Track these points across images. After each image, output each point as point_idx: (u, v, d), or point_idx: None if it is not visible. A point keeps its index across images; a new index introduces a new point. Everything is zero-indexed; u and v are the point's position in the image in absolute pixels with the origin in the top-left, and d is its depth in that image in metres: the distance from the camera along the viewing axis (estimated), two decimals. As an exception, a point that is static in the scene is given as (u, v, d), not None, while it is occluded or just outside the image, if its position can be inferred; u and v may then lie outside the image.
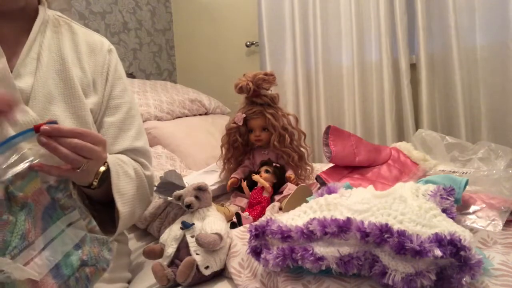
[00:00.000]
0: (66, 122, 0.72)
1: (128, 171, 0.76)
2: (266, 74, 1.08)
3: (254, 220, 0.91)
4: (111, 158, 0.72)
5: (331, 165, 1.05)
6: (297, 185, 1.03)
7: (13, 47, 0.71)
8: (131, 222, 0.82)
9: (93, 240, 0.61)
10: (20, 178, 0.53)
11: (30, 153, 0.55)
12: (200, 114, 2.02)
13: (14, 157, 0.53)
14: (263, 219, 0.69)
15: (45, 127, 0.55)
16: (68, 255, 0.56)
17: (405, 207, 0.58)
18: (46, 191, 0.57)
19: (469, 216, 0.74)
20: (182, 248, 0.75)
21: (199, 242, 0.70)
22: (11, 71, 0.68)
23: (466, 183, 0.73)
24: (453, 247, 0.48)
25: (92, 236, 0.61)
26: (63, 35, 0.79)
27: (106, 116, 0.82)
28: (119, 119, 0.83)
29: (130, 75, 2.18)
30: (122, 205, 0.72)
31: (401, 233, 0.50)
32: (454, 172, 0.91)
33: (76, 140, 0.58)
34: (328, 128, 1.03)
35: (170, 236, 0.77)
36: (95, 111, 0.79)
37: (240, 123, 1.11)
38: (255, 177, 1.04)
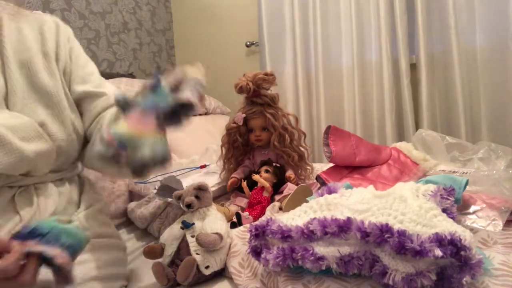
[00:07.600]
0: (39, 110, 0.74)
1: None
2: (266, 74, 1.08)
3: (254, 220, 0.91)
4: None
5: (331, 165, 1.05)
6: (297, 185, 1.02)
7: None
8: None
9: None
10: None
11: None
12: (200, 114, 2.01)
13: None
14: (263, 219, 0.69)
15: None
16: None
17: (405, 207, 0.58)
18: None
19: (469, 216, 0.74)
20: (183, 247, 0.75)
21: (199, 242, 0.70)
22: None
23: (466, 183, 0.73)
24: (453, 247, 0.48)
25: None
26: (21, 23, 0.79)
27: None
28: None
29: (130, 75, 2.18)
30: None
31: (402, 233, 0.50)
32: (454, 172, 0.91)
33: None
34: (328, 128, 1.03)
35: (171, 235, 0.77)
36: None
37: (240, 123, 1.11)
38: (255, 177, 1.04)
